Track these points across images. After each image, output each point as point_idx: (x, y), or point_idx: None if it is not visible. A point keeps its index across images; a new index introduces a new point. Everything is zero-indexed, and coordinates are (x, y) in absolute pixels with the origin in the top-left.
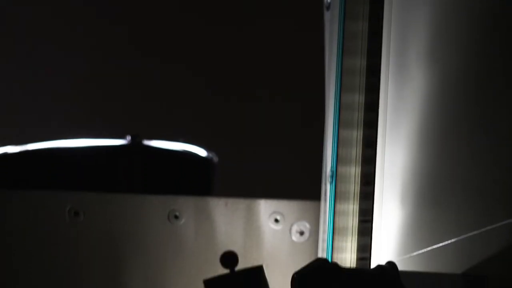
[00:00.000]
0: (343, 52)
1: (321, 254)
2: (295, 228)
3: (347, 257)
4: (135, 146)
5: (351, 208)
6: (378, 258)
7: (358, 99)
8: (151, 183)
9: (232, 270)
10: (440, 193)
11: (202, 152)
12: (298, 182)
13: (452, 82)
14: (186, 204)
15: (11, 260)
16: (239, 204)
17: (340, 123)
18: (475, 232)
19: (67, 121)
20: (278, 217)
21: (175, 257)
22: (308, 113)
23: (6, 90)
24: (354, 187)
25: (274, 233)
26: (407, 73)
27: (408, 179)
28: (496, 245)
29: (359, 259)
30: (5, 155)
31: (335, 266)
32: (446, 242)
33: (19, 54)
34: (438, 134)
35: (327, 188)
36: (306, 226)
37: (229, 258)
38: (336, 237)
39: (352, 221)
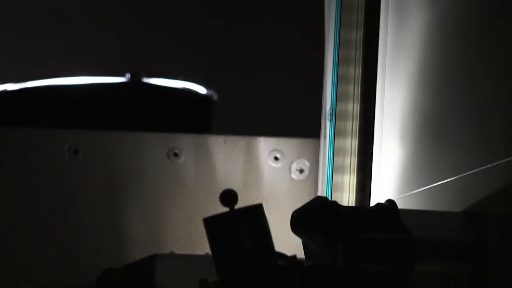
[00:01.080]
0: None
1: (321, 192)
2: (294, 166)
3: (347, 196)
4: (135, 84)
5: (351, 146)
6: (377, 196)
7: (357, 37)
8: (150, 120)
9: (231, 208)
10: (440, 131)
11: (201, 89)
12: (298, 120)
13: (451, 18)
14: (185, 142)
15: (12, 197)
16: (238, 142)
17: (339, 61)
18: (475, 170)
19: (67, 59)
20: (278, 155)
21: (175, 195)
22: (308, 50)
23: (5, 26)
24: (353, 124)
25: (274, 171)
26: (407, 10)
27: (407, 117)
28: (496, 183)
29: (359, 197)
30: (5, 92)
31: (334, 205)
32: (446, 180)
33: None
34: (437, 72)
35: (327, 126)
36: (305, 164)
37: (228, 196)
38: (335, 175)
39: (351, 159)
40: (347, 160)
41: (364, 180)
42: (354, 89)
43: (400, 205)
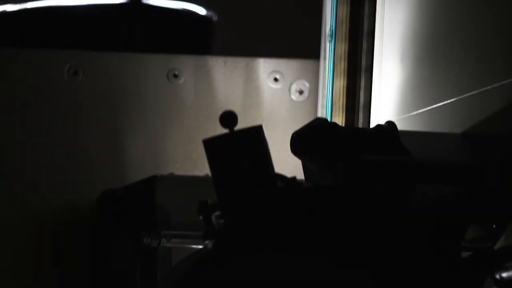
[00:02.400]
0: None
1: (320, 113)
2: (294, 87)
3: (346, 117)
4: (135, 5)
5: (351, 67)
6: (377, 117)
7: None
8: (150, 42)
9: (231, 129)
10: (440, 53)
11: (201, 10)
12: (298, 41)
13: None
14: (185, 63)
15: (12, 118)
16: (238, 63)
17: None
18: (475, 92)
19: None
20: (278, 76)
21: (175, 115)
22: None
23: None
24: (353, 45)
25: (273, 92)
26: None
27: (408, 37)
28: (496, 104)
29: (358, 119)
30: (4, 13)
31: (334, 126)
32: (446, 102)
33: None
34: None
35: (327, 47)
36: (305, 85)
37: (228, 118)
38: (335, 97)
39: (351, 80)
40: (346, 82)
41: (364, 101)
42: (355, 9)
43: (399, 126)
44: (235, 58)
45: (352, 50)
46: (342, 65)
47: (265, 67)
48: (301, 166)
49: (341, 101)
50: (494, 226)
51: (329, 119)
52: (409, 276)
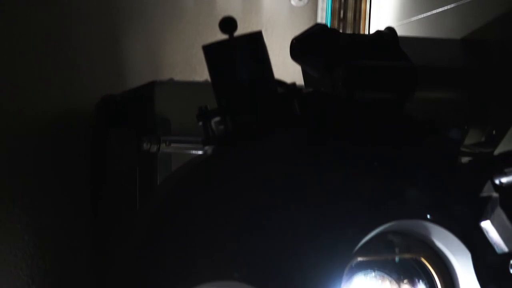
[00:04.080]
0: None
1: (320, 19)
2: None
3: (346, 24)
4: None
5: None
6: (377, 23)
7: None
8: None
9: (230, 35)
10: None
11: None
12: None
13: None
14: None
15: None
16: None
17: None
18: None
19: None
20: None
21: (174, 21)
22: None
23: None
24: None
25: None
26: None
27: None
28: (496, 9)
29: (358, 25)
30: None
31: (334, 31)
32: (446, 7)
33: None
34: None
35: None
36: None
37: (228, 24)
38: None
39: None
40: None
41: (363, 7)
42: None
43: (399, 32)
44: None
45: None
46: None
47: None
48: (301, 72)
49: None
50: (493, 131)
51: (328, 25)
52: (409, 180)
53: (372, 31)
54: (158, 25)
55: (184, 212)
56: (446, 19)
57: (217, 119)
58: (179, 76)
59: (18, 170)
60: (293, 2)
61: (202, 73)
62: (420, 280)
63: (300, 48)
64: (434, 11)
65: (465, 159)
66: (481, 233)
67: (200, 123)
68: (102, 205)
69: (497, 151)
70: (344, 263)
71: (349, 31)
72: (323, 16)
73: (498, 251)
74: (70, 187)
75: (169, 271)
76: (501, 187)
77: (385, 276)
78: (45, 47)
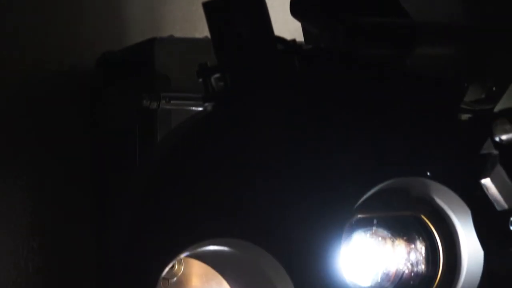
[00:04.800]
0: None
1: None
2: None
3: None
4: None
5: None
6: None
7: None
8: None
9: None
10: None
11: None
12: None
13: None
14: None
15: None
16: None
17: None
18: None
19: None
20: None
21: None
22: None
23: None
24: None
25: None
26: None
27: None
28: None
29: None
30: None
31: None
32: None
33: None
34: None
35: None
36: None
37: None
38: None
39: None
40: None
41: None
42: None
43: None
44: None
45: None
46: None
47: None
48: (301, 29)
49: None
50: (493, 88)
51: None
52: (409, 138)
53: None
54: None
55: (184, 169)
56: None
57: (217, 75)
58: (179, 33)
59: (15, 122)
60: None
61: (202, 30)
62: (420, 238)
63: (300, 3)
64: None
65: (465, 116)
66: (481, 190)
67: (200, 80)
68: (102, 163)
69: (497, 108)
70: (344, 220)
71: None
72: None
73: (498, 208)
74: (68, 141)
75: (169, 229)
76: (501, 145)
77: (385, 233)
78: (41, 2)
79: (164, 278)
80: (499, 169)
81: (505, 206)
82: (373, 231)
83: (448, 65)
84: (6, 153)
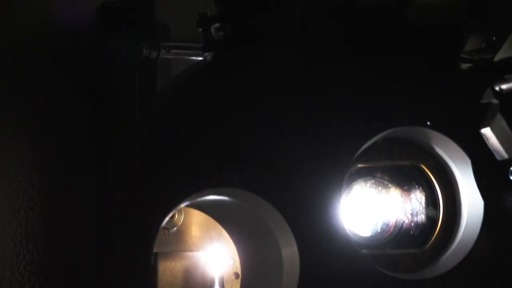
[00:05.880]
0: None
1: None
2: None
3: None
4: None
5: None
6: None
7: None
8: None
9: None
10: None
11: None
12: None
13: None
14: None
15: None
16: None
17: None
18: None
19: None
20: None
21: None
22: None
23: None
24: None
25: None
26: None
27: None
28: None
29: None
30: None
31: None
32: None
33: None
34: None
35: None
36: None
37: None
38: None
39: None
40: None
41: None
42: None
43: None
44: None
45: None
46: None
47: None
48: None
49: None
50: (494, 37)
51: None
52: (410, 87)
53: None
54: None
55: (184, 118)
56: None
57: (217, 25)
58: None
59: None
60: None
61: None
62: (420, 187)
63: None
64: None
65: (465, 66)
66: (481, 140)
67: (200, 30)
68: (101, 113)
69: (497, 58)
70: (344, 169)
71: None
72: None
73: (498, 158)
74: (68, 93)
75: (169, 179)
76: (501, 94)
77: (385, 182)
78: None
79: (164, 227)
80: (499, 118)
81: (505, 155)
82: (373, 181)
83: (448, 14)
84: (6, 102)
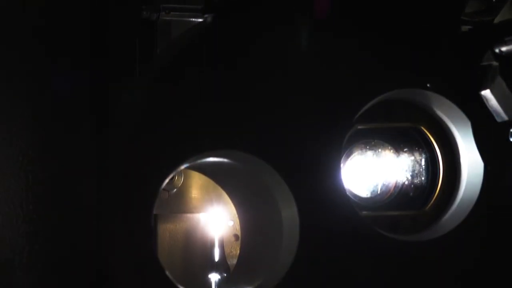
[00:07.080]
0: None
1: None
2: None
3: None
4: None
5: None
6: None
7: None
8: None
9: None
10: None
11: None
12: None
13: None
14: None
15: None
16: None
17: None
18: None
19: None
20: None
21: None
22: None
23: None
24: None
25: None
26: None
27: None
28: None
29: None
30: None
31: None
32: None
33: None
34: None
35: None
36: None
37: None
38: None
39: None
40: None
41: None
42: None
43: None
44: None
45: None
46: None
47: None
48: None
49: None
50: None
51: None
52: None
53: None
54: None
55: (184, 80)
56: None
57: None
58: None
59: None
60: None
61: None
62: (420, 149)
63: None
64: None
65: (465, 28)
66: (481, 102)
67: None
68: (102, 73)
69: (497, 20)
70: (344, 130)
71: None
72: None
73: (498, 119)
74: (69, 51)
75: (169, 141)
76: (501, 56)
77: (385, 144)
78: None
79: (164, 189)
80: (499, 81)
81: (505, 117)
82: (373, 142)
83: None
84: (7, 60)
